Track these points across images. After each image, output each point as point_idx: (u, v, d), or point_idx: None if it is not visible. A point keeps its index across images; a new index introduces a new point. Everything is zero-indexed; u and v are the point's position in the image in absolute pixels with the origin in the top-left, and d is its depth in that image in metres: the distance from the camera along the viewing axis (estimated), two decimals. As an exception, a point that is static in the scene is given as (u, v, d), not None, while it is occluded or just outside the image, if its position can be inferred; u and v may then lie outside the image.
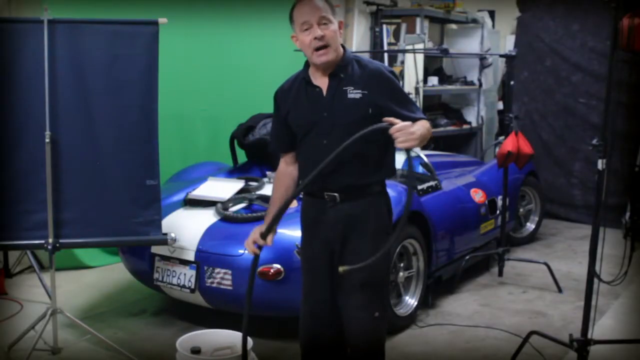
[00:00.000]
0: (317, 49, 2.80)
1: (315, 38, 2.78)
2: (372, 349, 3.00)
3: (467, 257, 5.30)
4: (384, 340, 3.07)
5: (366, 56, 3.08)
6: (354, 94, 2.83)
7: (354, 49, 7.91)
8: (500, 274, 5.62)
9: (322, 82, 2.89)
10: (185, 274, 4.19)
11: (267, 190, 4.74)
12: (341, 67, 2.86)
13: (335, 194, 2.89)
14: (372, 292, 2.93)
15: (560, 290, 5.29)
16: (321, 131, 2.89)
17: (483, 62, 8.66)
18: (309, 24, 2.79)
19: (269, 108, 5.77)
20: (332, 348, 3.07)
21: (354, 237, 2.90)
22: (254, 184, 4.85)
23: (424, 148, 4.82)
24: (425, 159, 5.38)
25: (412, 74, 7.42)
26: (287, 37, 3.00)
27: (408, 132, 2.60)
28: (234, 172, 5.32)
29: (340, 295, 2.98)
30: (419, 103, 7.47)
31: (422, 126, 2.73)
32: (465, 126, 8.88)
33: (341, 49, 2.88)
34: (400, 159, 3.79)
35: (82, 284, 5.34)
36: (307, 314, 3.08)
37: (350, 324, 2.97)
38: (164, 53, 4.00)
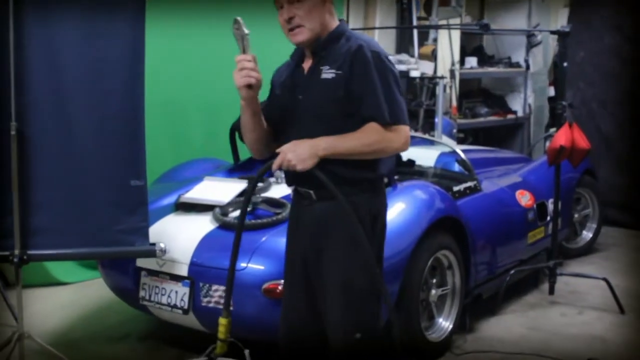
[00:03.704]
0: (291, 29, 2.89)
1: (286, 20, 2.88)
2: None
3: (512, 272, 5.29)
4: None
5: (363, 33, 3.04)
6: (327, 73, 2.87)
7: (377, 25, 7.88)
8: (552, 291, 5.61)
9: (307, 62, 2.98)
10: (177, 292, 4.18)
11: (273, 192, 4.72)
12: (324, 43, 2.92)
13: (310, 191, 2.91)
14: (354, 308, 2.89)
15: (622, 311, 5.28)
16: (293, 117, 2.96)
17: (530, 40, 8.64)
18: (280, 3, 2.88)
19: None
20: None
21: (328, 247, 2.90)
22: (258, 184, 4.83)
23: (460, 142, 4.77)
24: (462, 155, 5.36)
25: (446, 54, 7.41)
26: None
27: (287, 160, 2.75)
28: (235, 170, 5.33)
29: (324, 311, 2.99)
30: (455, 88, 7.43)
31: (309, 145, 2.75)
32: (510, 116, 8.88)
33: (328, 25, 2.92)
34: (432, 156, 3.76)
35: (55, 304, 5.36)
36: (286, 334, 3.13)
37: (330, 344, 2.96)
38: (151, 30, 4.00)
